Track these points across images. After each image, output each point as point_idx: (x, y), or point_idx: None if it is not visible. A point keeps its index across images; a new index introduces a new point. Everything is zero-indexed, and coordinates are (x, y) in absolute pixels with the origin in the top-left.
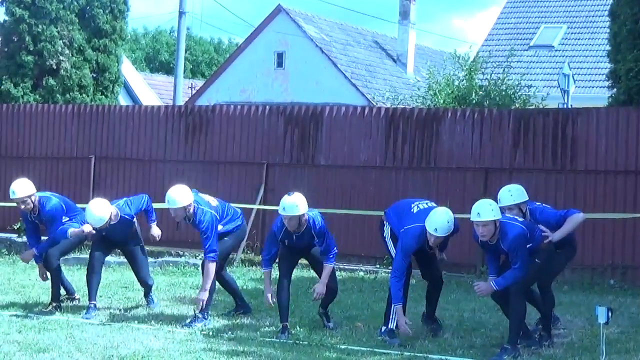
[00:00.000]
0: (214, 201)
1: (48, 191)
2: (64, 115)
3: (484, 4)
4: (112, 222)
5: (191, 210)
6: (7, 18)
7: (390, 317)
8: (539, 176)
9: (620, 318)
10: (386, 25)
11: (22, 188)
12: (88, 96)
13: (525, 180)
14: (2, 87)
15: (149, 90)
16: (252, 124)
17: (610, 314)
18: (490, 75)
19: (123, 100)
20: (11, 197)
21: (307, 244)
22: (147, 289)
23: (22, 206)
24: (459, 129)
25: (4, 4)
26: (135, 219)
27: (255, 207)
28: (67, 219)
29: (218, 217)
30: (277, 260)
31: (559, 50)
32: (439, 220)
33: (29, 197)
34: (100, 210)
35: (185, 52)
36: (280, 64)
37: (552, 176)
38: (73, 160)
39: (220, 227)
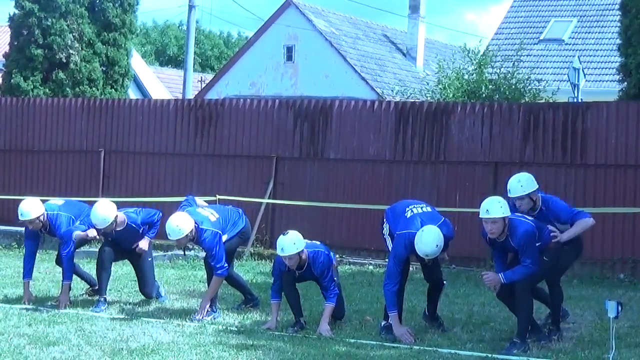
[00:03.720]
0: (213, 215)
1: (56, 186)
2: (74, 109)
3: None
4: (118, 228)
5: (193, 233)
6: (17, 11)
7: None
8: (549, 170)
9: (630, 312)
10: (396, 19)
11: (32, 209)
12: (98, 90)
13: (535, 174)
14: (12, 80)
15: (158, 83)
16: (261, 117)
17: (620, 308)
18: (500, 69)
19: (132, 94)
20: (20, 218)
21: (311, 279)
22: (148, 298)
23: (31, 226)
24: (468, 122)
25: None
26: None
27: (265, 200)
28: (78, 222)
29: (220, 231)
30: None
31: (569, 44)
32: (427, 246)
33: (38, 217)
34: (104, 211)
35: (195, 45)
36: (289, 57)
37: (562, 170)
38: (82, 153)
39: (224, 238)
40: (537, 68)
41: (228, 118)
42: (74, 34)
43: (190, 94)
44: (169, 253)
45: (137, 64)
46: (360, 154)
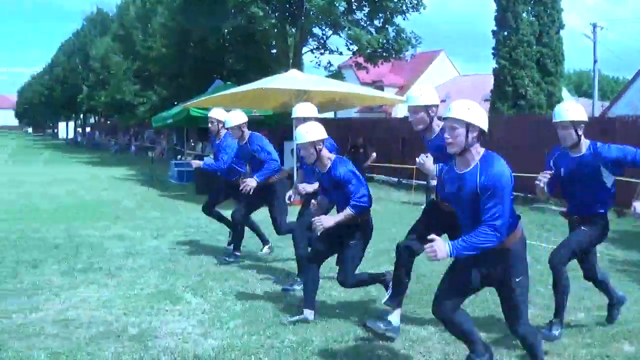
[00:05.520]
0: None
1: None
2: (527, 124)
3: None
4: (238, 137)
5: (322, 153)
6: (496, 66)
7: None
8: None
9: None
10: None
11: (234, 116)
12: (543, 111)
13: None
14: (495, 106)
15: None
16: None
17: None
18: None
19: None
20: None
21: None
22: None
23: (210, 125)
24: None
25: (495, 57)
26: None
27: None
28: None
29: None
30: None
31: None
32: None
33: (218, 121)
34: (230, 114)
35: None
36: None
37: None
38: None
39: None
40: None
41: (620, 129)
42: (529, 78)
43: (596, 114)
44: None
45: (565, 95)
46: None
